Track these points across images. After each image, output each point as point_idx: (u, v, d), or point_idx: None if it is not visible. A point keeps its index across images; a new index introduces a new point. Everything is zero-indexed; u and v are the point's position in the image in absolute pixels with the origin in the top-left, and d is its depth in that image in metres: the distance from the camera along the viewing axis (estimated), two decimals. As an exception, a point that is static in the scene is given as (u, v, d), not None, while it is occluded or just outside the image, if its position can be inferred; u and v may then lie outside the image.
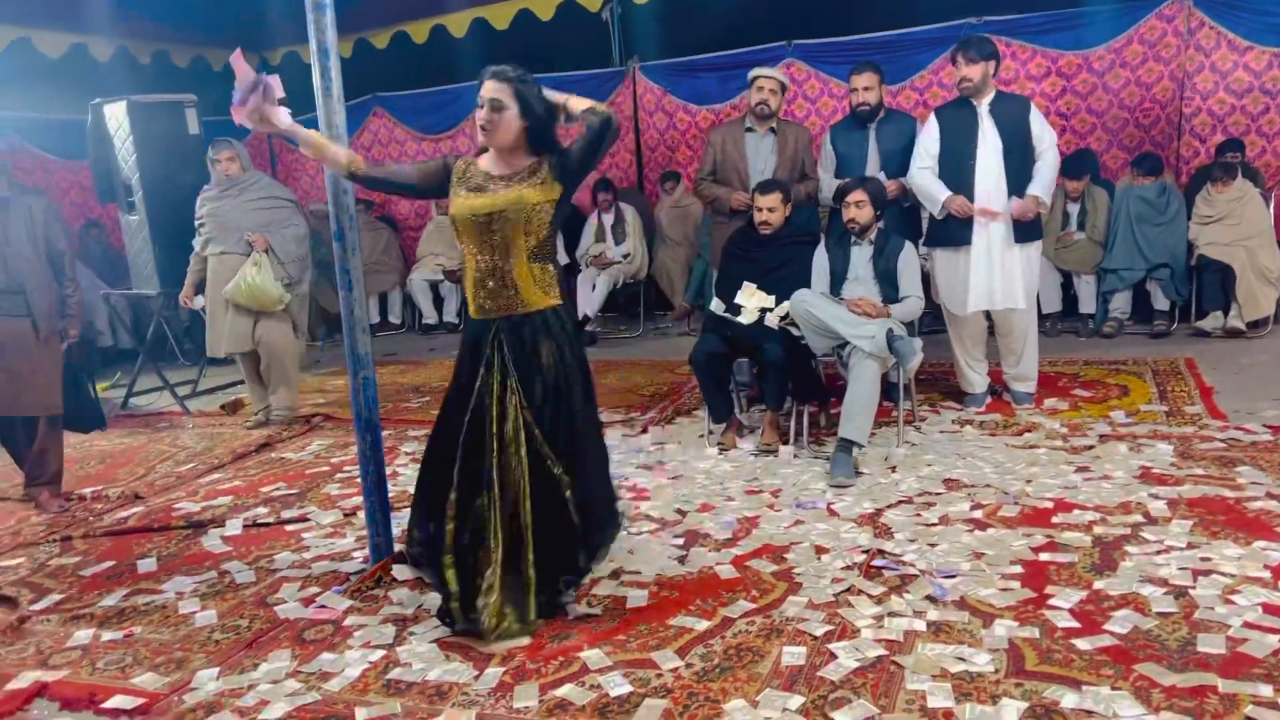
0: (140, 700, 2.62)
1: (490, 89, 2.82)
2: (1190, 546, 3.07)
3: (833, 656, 2.56)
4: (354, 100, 9.05)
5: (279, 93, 2.88)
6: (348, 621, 3.01)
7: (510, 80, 2.82)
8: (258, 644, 2.91)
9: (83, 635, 3.05)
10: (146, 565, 3.61)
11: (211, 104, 7.58)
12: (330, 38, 3.05)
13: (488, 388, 2.86)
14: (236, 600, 3.24)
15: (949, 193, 4.64)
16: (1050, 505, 3.53)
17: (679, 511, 3.77)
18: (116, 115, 5.92)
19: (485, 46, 8.92)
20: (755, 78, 5.12)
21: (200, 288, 5.66)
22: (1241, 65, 6.81)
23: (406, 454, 4.83)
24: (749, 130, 5.16)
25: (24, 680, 2.78)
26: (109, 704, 2.62)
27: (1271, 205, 6.50)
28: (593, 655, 2.67)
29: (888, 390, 4.44)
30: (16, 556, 3.82)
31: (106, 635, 3.04)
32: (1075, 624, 2.64)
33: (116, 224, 6.97)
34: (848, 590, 2.95)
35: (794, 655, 2.59)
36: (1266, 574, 2.84)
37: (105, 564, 3.66)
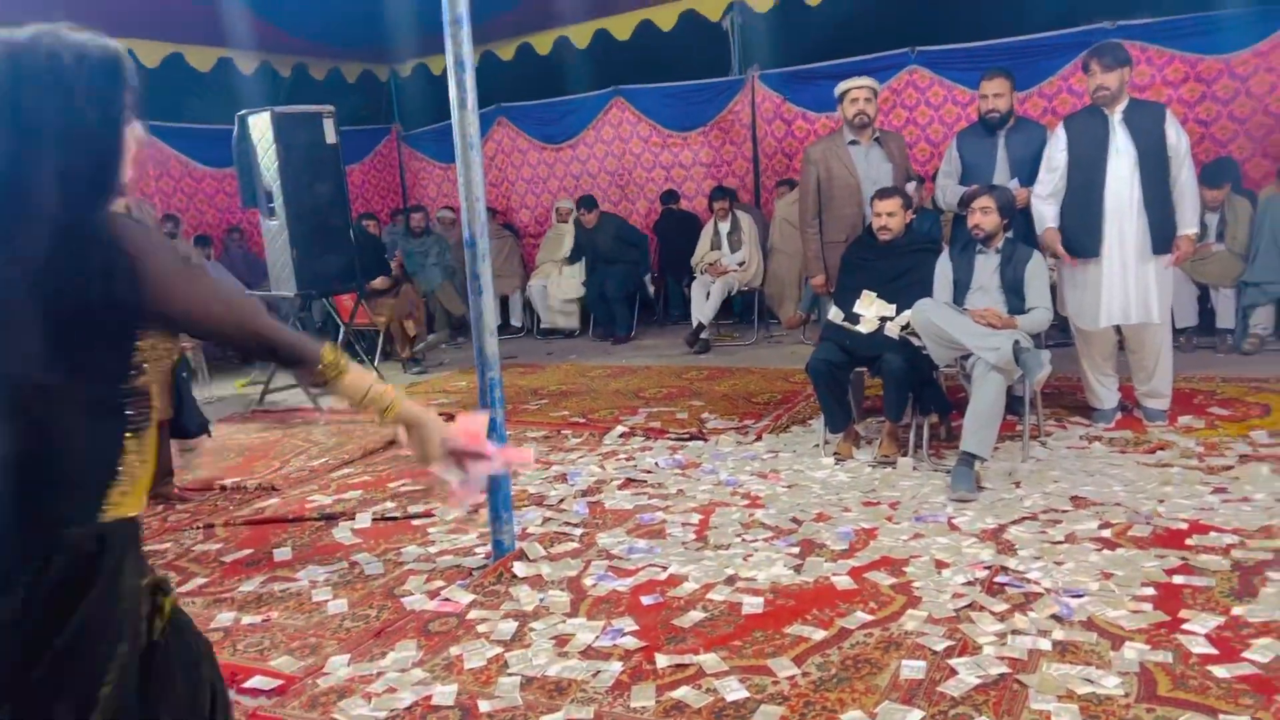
0: (278, 682, 2.76)
1: None
2: (1339, 575, 2.92)
3: (953, 672, 2.53)
4: (479, 111, 9.28)
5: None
6: (471, 615, 3.10)
7: None
8: (385, 633, 3.03)
9: (225, 618, 3.23)
10: (282, 554, 3.80)
11: (346, 114, 7.89)
12: (466, 51, 3.18)
13: None
14: (366, 590, 3.38)
15: (1050, 225, 4.65)
16: (1185, 526, 3.40)
17: (794, 520, 3.77)
18: (260, 125, 6.24)
19: (607, 57, 9.09)
20: (846, 90, 4.95)
21: None
22: (1402, 68, 6.41)
23: (525, 455, 4.95)
24: (853, 143, 4.99)
25: (174, 656, 2.97)
26: (249, 684, 2.77)
27: None
28: (709, 659, 2.70)
29: (1012, 404, 4.34)
30: (164, 541, 4.06)
31: (246, 619, 3.22)
32: (1212, 650, 2.54)
33: (256, 229, 7.35)
34: (969, 606, 2.90)
35: (913, 669, 2.56)
36: None
37: (244, 551, 3.86)
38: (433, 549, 3.73)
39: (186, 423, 4.67)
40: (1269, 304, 6.14)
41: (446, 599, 3.24)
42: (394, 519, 4.12)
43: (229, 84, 8.76)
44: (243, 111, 6.46)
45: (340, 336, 7.11)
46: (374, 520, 4.10)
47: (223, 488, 4.74)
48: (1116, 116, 4.49)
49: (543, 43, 9.10)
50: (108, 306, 1.35)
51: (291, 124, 6.25)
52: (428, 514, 4.13)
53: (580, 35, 8.85)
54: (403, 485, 4.59)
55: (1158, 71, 7.02)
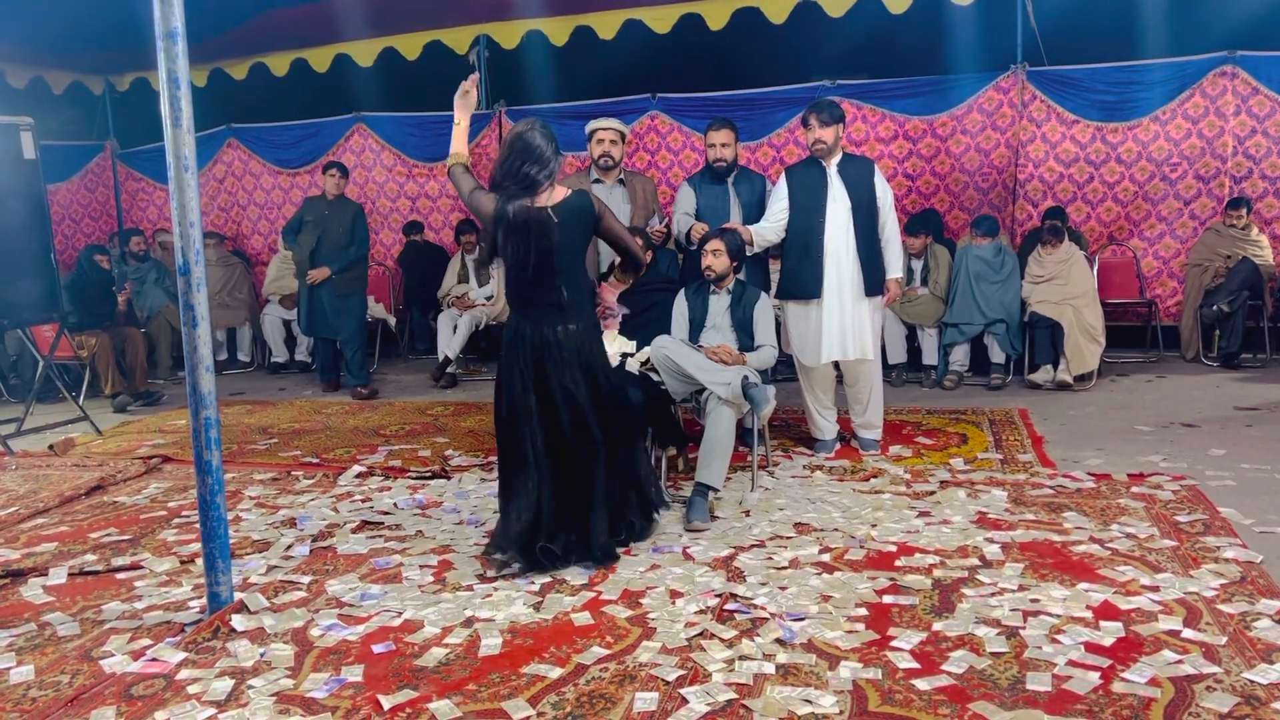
0: (-59, 767, 2.41)
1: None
2: (1021, 588, 3.24)
3: (684, 701, 2.58)
4: (207, 130, 8.76)
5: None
6: (181, 675, 2.85)
7: None
8: (79, 701, 2.72)
9: (-124, 696, 2.79)
10: (-45, 618, 3.34)
11: (50, 128, 7.16)
12: (181, 68, 2.95)
13: None
14: (58, 654, 3.03)
15: (751, 232, 4.85)
16: (894, 549, 3.66)
17: (535, 557, 3.73)
18: (-59, 134, 5.56)
19: (349, 81, 8.83)
20: (594, 130, 5.14)
21: None
22: (1069, 137, 7.35)
23: (251, 498, 4.64)
24: (596, 182, 5.14)
25: None
26: (-96, 772, 2.40)
27: (1095, 267, 7.01)
28: (441, 706, 2.61)
29: (743, 436, 4.54)
30: None
31: (-95, 696, 2.79)
32: (915, 665, 2.74)
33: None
34: (700, 634, 2.98)
35: (646, 701, 2.59)
36: (1089, 614, 3.01)
37: (-93, 617, 3.36)
38: (139, 604, 3.40)
39: None
40: (965, 342, 6.80)
41: (153, 659, 2.96)
42: (95, 573, 3.72)
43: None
44: (-79, 117, 5.74)
45: (39, 371, 6.42)
46: (71, 575, 3.70)
47: (-117, 545, 4.12)
48: (832, 168, 4.84)
49: (279, 64, 8.70)
50: None
51: (-20, 134, 5.61)
52: (135, 566, 3.76)
53: (319, 59, 8.56)
54: (106, 535, 4.17)
55: (871, 129, 7.67)
